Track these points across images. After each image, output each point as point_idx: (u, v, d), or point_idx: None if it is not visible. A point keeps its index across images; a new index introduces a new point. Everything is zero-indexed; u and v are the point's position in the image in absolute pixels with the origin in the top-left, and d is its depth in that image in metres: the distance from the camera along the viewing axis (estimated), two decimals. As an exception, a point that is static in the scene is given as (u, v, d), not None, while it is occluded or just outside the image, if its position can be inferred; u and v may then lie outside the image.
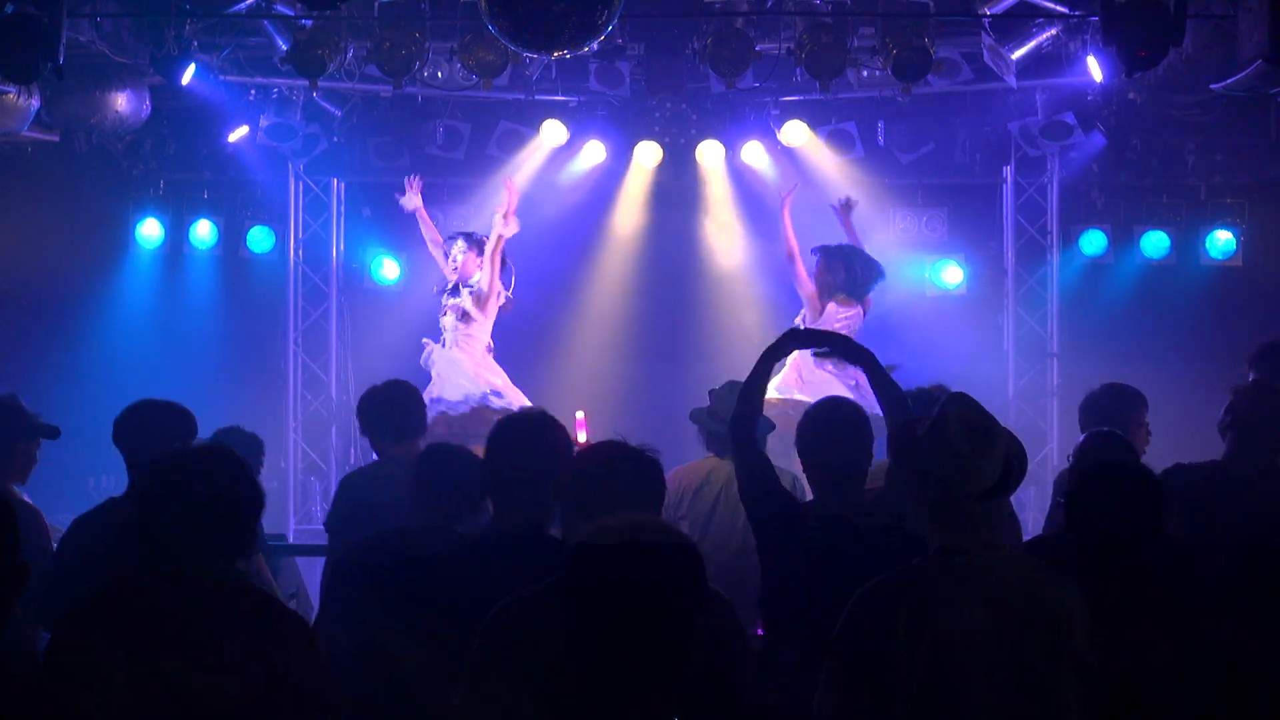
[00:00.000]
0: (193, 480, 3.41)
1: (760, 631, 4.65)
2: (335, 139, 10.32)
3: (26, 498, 5.78)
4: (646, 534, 2.66)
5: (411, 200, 9.28)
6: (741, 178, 10.58)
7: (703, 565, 2.67)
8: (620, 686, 2.61)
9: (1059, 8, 8.18)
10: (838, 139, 10.00)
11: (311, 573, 6.33)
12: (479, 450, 4.32)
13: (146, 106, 9.15)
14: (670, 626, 2.61)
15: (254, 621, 3.38)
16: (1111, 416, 5.67)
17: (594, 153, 10.30)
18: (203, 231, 10.86)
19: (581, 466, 3.58)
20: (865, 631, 3.39)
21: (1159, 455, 5.56)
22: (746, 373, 4.57)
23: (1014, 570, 3.43)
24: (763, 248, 10.75)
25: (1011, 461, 3.45)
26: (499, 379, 8.92)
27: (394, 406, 5.88)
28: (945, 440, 3.41)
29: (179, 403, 5.09)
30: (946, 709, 3.31)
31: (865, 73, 9.13)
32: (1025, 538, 5.48)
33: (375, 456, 5.97)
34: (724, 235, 10.87)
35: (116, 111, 8.91)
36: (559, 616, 2.70)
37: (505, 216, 8.82)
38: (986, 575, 3.39)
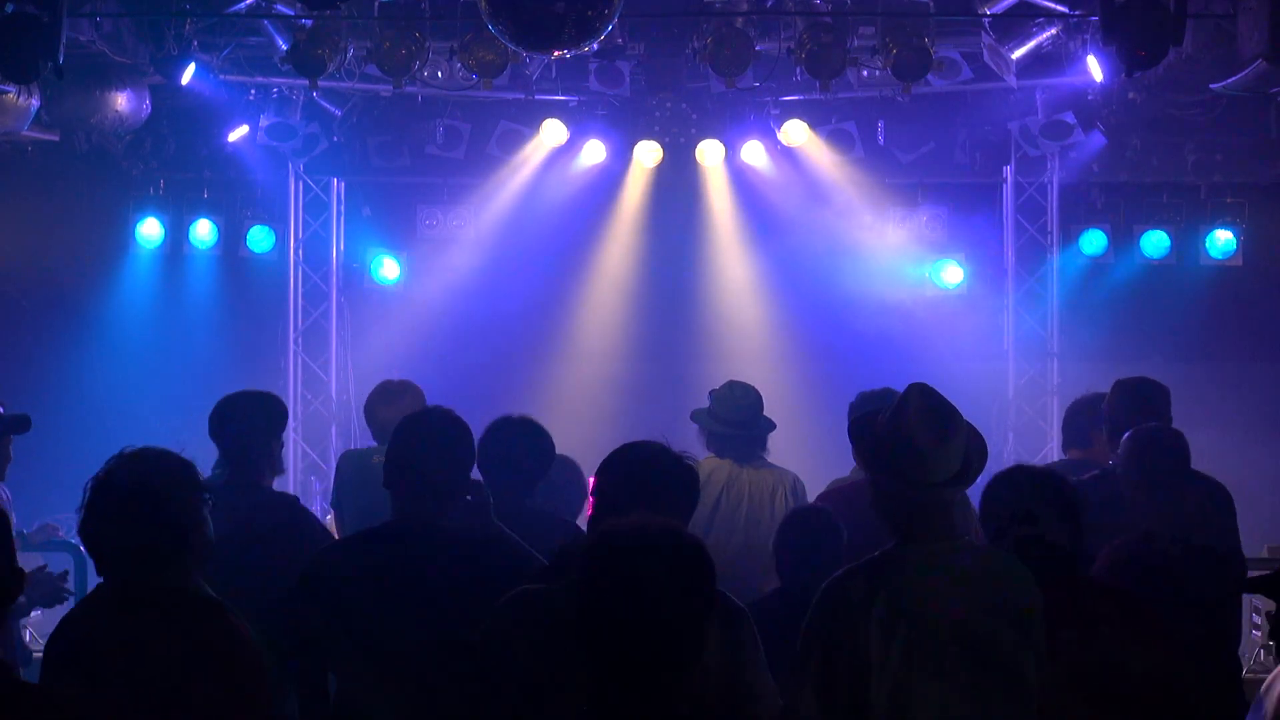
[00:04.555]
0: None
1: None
2: (335, 139, 10.30)
3: (4, 495, 5.76)
4: (658, 532, 2.72)
5: None
6: (742, 177, 10.57)
7: (712, 565, 2.72)
8: (630, 681, 2.63)
9: (1059, 7, 8.17)
10: (838, 139, 9.99)
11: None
12: None
13: (146, 106, 9.15)
14: (680, 623, 2.65)
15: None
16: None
17: (594, 152, 10.29)
18: (203, 231, 10.83)
19: (620, 464, 3.57)
20: (840, 618, 3.41)
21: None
22: (745, 373, 4.55)
23: (979, 560, 3.47)
24: (762, 247, 10.75)
25: (971, 453, 3.46)
26: None
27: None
28: (904, 430, 3.41)
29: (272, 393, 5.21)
30: (920, 696, 3.33)
31: (865, 73, 9.12)
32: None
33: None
34: (724, 234, 10.87)
35: (116, 111, 8.90)
36: (568, 612, 2.75)
37: None
38: (954, 565, 3.41)
